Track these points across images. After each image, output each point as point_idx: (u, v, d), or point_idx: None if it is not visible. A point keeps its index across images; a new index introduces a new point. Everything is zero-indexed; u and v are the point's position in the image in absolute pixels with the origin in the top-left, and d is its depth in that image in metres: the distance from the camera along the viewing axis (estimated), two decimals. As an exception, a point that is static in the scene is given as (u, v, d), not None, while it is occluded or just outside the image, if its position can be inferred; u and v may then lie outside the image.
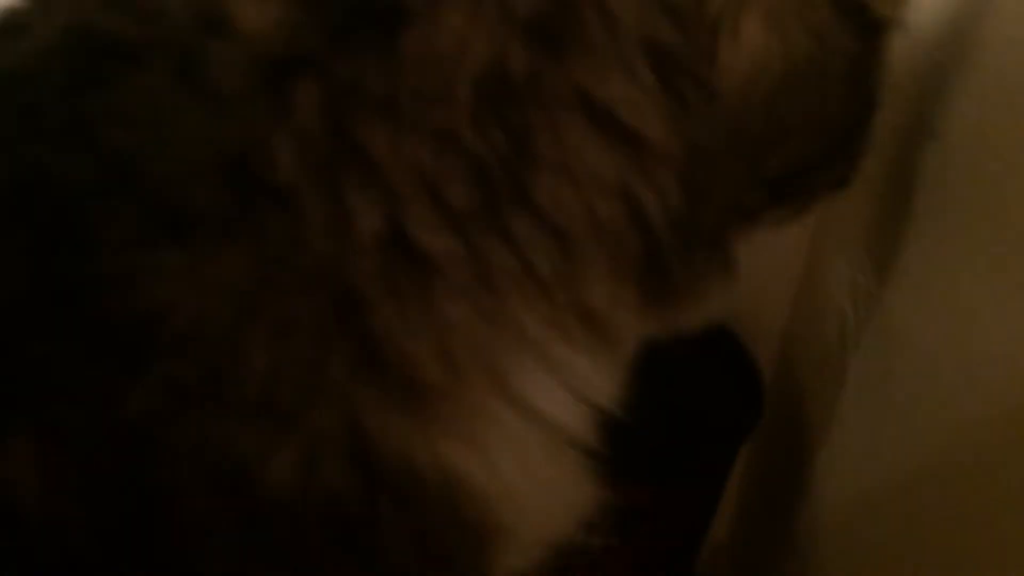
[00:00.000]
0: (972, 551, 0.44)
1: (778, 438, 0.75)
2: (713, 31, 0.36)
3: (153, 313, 0.33)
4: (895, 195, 0.52)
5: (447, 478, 0.37)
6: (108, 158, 0.33)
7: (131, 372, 0.33)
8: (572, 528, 0.44)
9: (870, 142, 0.45)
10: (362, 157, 0.33)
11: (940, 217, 0.49)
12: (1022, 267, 0.42)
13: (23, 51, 0.35)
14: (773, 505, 0.74)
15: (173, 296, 0.33)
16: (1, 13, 0.37)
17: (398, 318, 0.34)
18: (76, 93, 0.34)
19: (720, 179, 0.39)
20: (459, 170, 0.34)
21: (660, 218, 0.37)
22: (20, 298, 0.33)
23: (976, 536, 0.44)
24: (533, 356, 0.38)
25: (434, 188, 0.34)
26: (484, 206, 0.34)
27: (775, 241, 0.74)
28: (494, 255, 0.35)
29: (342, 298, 0.34)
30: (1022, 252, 0.42)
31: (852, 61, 0.40)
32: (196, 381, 0.33)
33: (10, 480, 0.32)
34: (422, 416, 0.36)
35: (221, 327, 0.33)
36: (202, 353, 0.33)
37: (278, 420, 0.34)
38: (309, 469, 0.34)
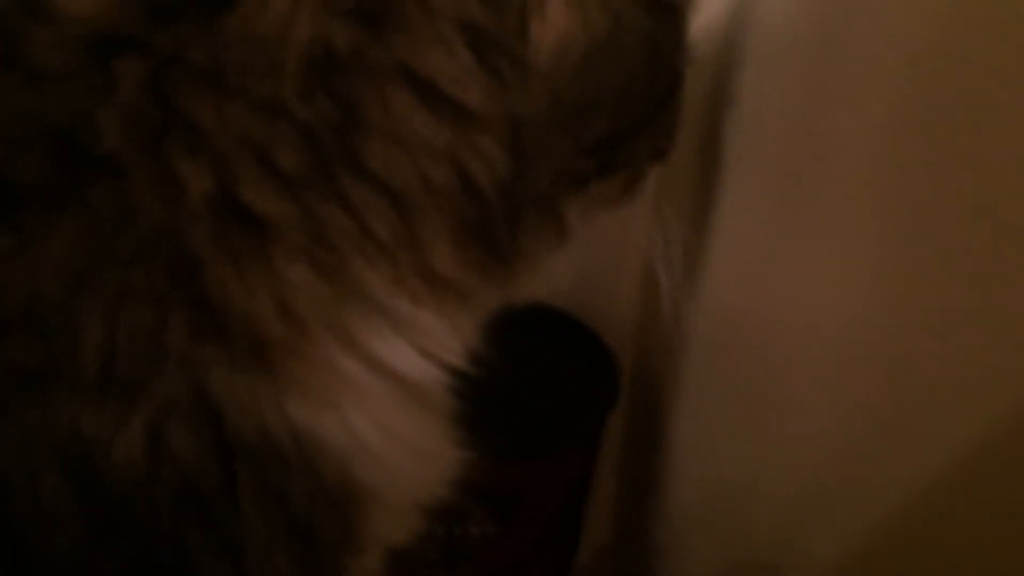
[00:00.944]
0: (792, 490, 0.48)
1: (640, 419, 0.79)
2: (522, 12, 0.39)
3: None
4: (706, 154, 0.58)
5: (302, 440, 0.37)
6: None
7: None
8: (440, 489, 0.45)
9: (679, 117, 0.50)
10: (188, 126, 0.34)
11: (743, 171, 0.55)
12: (813, 208, 0.47)
13: None
14: (645, 485, 0.77)
15: (3, 274, 0.33)
16: None
17: (235, 279, 0.35)
18: None
19: (544, 148, 0.42)
20: (287, 136, 0.35)
21: (489, 185, 0.40)
22: None
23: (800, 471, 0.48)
24: (379, 314, 0.39)
25: (262, 154, 0.35)
26: (316, 171, 0.36)
27: (622, 238, 0.79)
28: (330, 218, 0.36)
29: (177, 263, 0.34)
30: (810, 196, 0.48)
31: (648, 38, 0.45)
32: (35, 363, 0.33)
33: None
34: (269, 374, 0.36)
35: (55, 303, 0.33)
36: (37, 332, 0.33)
37: (121, 393, 0.34)
38: (158, 443, 0.34)
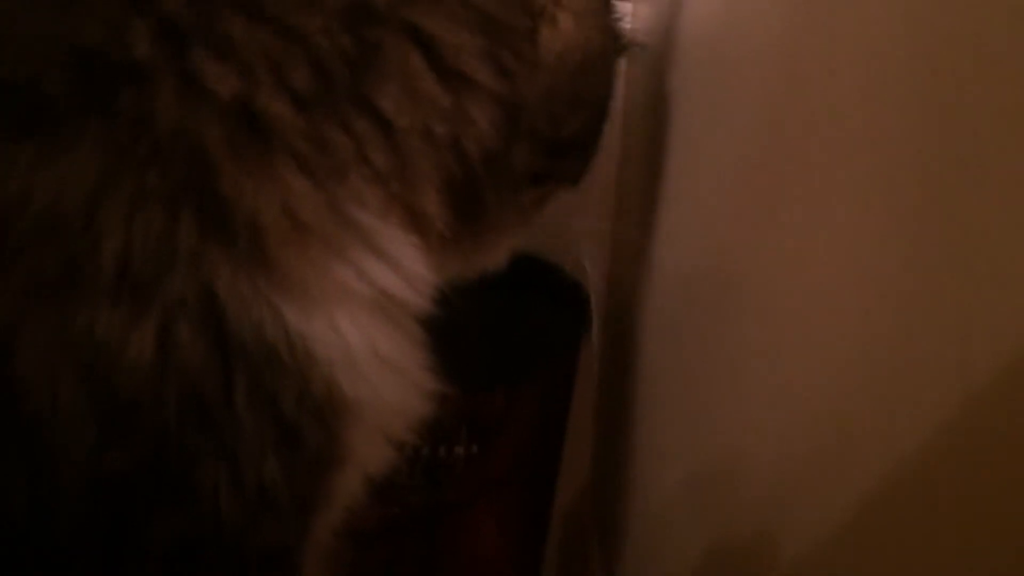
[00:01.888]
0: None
1: (614, 359, 0.83)
2: (535, 18, 0.48)
3: (10, 206, 0.35)
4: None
5: (294, 344, 0.40)
6: None
7: None
8: (416, 418, 0.48)
9: (596, 154, 0.59)
10: (220, 37, 0.38)
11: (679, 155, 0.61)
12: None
13: None
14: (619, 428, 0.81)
15: (28, 186, 0.35)
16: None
17: (245, 179, 0.38)
18: None
19: (532, 130, 0.49)
20: (300, 60, 0.40)
21: (476, 152, 0.46)
22: None
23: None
24: (369, 233, 0.43)
25: (279, 70, 0.39)
26: (323, 94, 0.40)
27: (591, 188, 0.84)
28: (333, 137, 0.41)
29: (192, 162, 0.37)
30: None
31: (613, 63, 0.56)
32: (54, 272, 0.36)
33: None
34: (269, 274, 0.39)
35: (78, 208, 0.36)
36: (60, 239, 0.36)
37: (135, 294, 0.36)
38: (166, 343, 0.37)
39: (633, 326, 0.75)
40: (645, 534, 0.70)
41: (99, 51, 0.37)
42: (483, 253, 0.54)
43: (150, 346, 0.37)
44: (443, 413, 0.49)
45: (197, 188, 0.38)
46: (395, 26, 0.42)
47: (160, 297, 0.37)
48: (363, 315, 0.43)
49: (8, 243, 0.35)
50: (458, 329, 0.49)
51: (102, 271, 0.36)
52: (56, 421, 0.36)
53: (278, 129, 0.39)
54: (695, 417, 0.57)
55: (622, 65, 0.59)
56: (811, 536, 0.36)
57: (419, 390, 0.48)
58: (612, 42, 0.54)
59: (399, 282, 0.45)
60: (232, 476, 0.39)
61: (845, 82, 0.36)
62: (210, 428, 0.39)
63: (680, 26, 0.64)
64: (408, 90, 0.42)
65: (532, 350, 0.72)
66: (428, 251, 0.46)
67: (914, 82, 0.30)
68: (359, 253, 0.43)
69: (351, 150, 0.41)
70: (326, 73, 0.40)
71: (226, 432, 0.39)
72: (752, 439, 0.45)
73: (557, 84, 0.49)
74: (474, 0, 0.44)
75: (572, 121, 0.52)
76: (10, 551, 0.37)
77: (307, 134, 0.40)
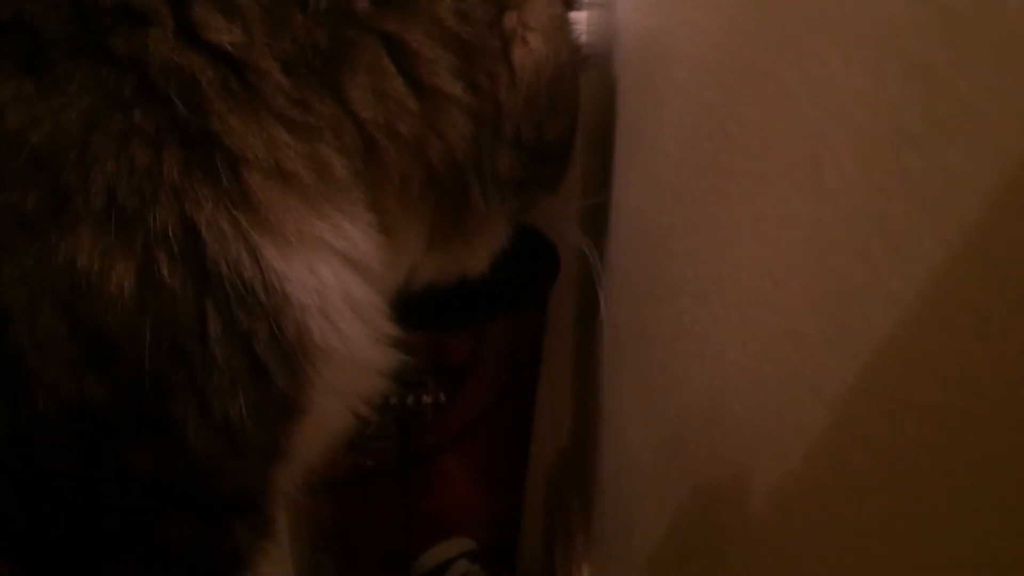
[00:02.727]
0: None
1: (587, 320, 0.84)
2: (506, 40, 0.52)
3: (6, 138, 0.37)
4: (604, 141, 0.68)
5: (271, 285, 0.42)
6: None
7: None
8: (379, 379, 0.50)
9: (573, 158, 0.63)
10: None
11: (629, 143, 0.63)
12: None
13: None
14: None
15: (27, 120, 0.37)
16: None
17: (234, 117, 0.41)
18: None
19: (518, 138, 0.53)
20: (283, 35, 0.42)
21: (441, 162, 0.49)
22: None
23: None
24: (338, 196, 0.45)
25: (271, 38, 0.42)
26: (304, 69, 0.43)
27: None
28: (313, 103, 0.43)
29: (183, 99, 0.40)
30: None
31: (579, 70, 0.60)
32: (43, 203, 0.37)
33: None
34: (251, 213, 0.41)
35: (72, 141, 0.38)
36: (53, 169, 0.37)
37: (120, 226, 0.38)
38: (147, 276, 0.38)
39: (597, 288, 0.77)
40: (617, 492, 0.71)
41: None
42: (464, 256, 0.57)
43: (131, 278, 0.38)
44: (410, 362, 0.52)
45: (184, 124, 0.40)
46: (370, 30, 0.45)
47: (143, 230, 0.38)
48: (339, 265, 0.45)
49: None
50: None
51: (90, 202, 0.38)
52: (35, 349, 0.38)
53: (266, 84, 0.42)
54: (653, 376, 0.58)
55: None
56: (781, 483, 0.35)
57: (384, 345, 0.50)
58: (576, 52, 0.59)
59: (369, 250, 0.47)
60: (201, 411, 0.41)
61: (785, 65, 0.35)
62: (183, 361, 0.40)
63: (625, 21, 0.67)
64: (375, 87, 0.45)
65: (497, 299, 0.74)
66: (386, 235, 0.49)
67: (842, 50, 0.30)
68: (332, 212, 0.45)
69: (326, 117, 0.44)
70: (300, 53, 0.43)
71: (197, 366, 0.40)
72: (706, 394, 0.45)
73: (535, 95, 0.53)
74: (447, 22, 0.47)
75: (553, 126, 0.56)
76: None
77: (290, 94, 0.42)
